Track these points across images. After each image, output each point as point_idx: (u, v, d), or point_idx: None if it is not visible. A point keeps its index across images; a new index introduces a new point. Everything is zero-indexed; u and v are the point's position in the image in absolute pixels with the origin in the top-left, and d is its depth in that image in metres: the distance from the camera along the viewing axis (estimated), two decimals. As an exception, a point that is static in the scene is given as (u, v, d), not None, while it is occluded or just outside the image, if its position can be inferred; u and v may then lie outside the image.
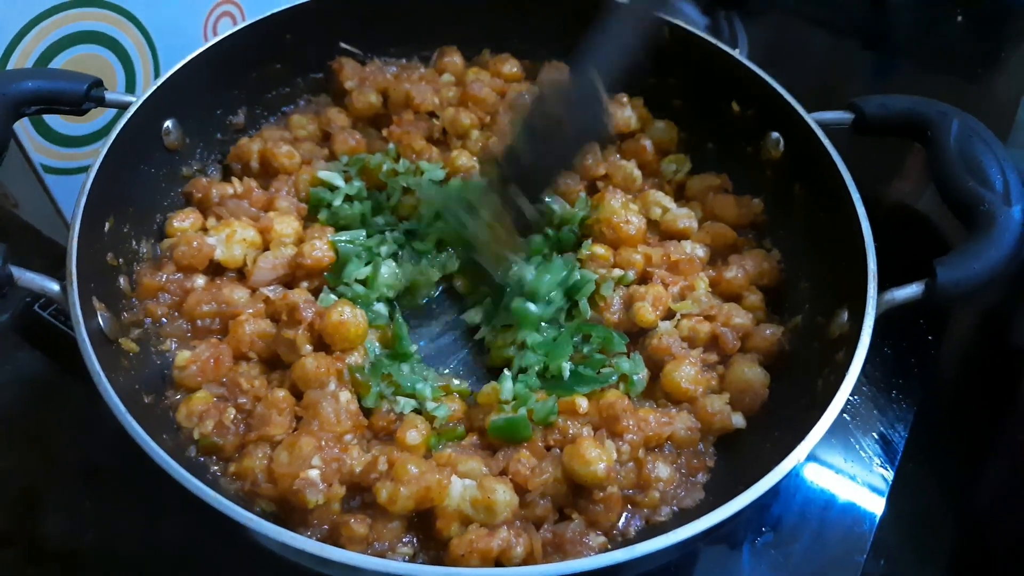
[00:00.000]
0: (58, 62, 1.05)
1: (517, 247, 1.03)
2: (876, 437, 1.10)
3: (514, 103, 1.19)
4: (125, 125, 0.97)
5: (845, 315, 0.92)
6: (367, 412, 0.92)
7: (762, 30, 1.65)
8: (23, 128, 1.05)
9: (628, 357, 0.98)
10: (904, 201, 1.42)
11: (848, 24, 1.81)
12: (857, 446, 1.09)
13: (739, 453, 0.93)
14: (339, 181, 1.13)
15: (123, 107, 0.99)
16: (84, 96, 0.94)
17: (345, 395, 0.90)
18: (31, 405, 1.11)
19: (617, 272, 1.05)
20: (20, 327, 1.16)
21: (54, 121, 1.08)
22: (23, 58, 1.00)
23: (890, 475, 1.07)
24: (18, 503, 1.00)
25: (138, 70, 1.15)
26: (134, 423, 0.74)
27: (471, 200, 1.02)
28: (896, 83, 1.71)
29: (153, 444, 0.73)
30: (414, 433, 0.88)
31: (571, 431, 0.89)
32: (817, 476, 1.06)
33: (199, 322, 0.99)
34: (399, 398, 0.93)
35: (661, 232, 1.13)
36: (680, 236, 1.11)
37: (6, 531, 0.98)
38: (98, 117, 1.13)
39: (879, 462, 1.08)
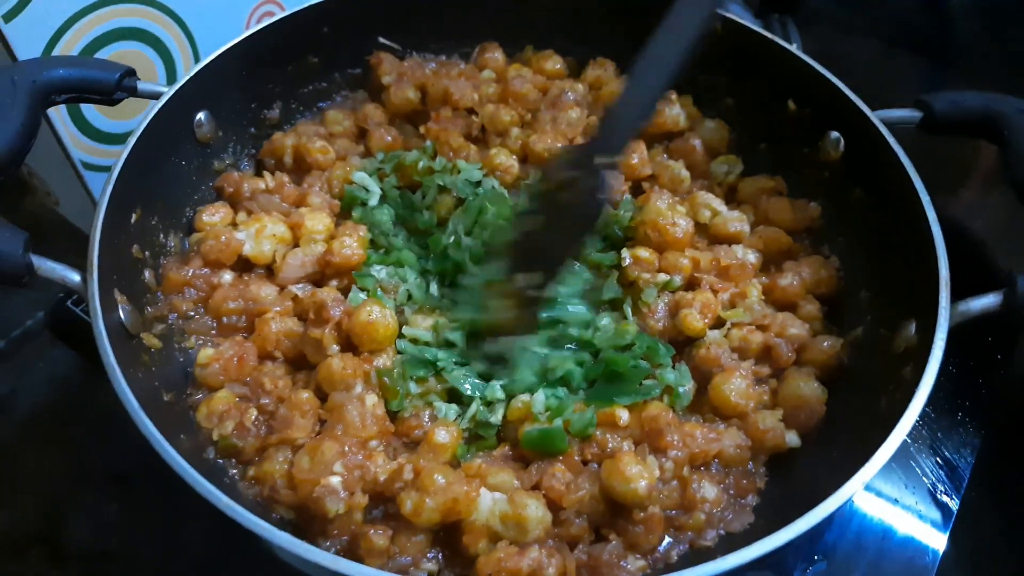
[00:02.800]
0: (99, 58, 1.07)
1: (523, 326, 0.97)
2: (940, 462, 1.07)
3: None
4: (156, 115, 0.98)
5: (913, 327, 0.89)
6: (394, 417, 0.91)
7: (811, 39, 1.64)
8: (62, 124, 1.06)
9: (673, 368, 0.96)
10: (970, 207, 1.40)
11: (902, 34, 1.79)
12: (919, 471, 1.06)
13: (793, 475, 0.91)
14: (373, 187, 1.12)
15: (155, 97, 0.99)
16: (116, 85, 0.95)
17: (372, 398, 0.89)
18: (63, 405, 1.12)
19: (662, 277, 1.02)
20: (52, 323, 1.17)
21: (94, 118, 1.10)
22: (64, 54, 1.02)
23: (954, 504, 1.03)
24: (46, 504, 1.02)
25: (179, 67, 1.17)
26: (147, 421, 0.74)
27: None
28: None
29: (167, 444, 0.72)
30: (443, 432, 0.86)
31: (610, 445, 0.88)
32: (873, 502, 1.04)
33: (225, 319, 0.99)
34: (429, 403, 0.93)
35: (710, 236, 1.11)
36: (731, 240, 1.09)
37: (33, 532, 0.99)
38: (139, 114, 1.14)
39: (943, 489, 1.06)
